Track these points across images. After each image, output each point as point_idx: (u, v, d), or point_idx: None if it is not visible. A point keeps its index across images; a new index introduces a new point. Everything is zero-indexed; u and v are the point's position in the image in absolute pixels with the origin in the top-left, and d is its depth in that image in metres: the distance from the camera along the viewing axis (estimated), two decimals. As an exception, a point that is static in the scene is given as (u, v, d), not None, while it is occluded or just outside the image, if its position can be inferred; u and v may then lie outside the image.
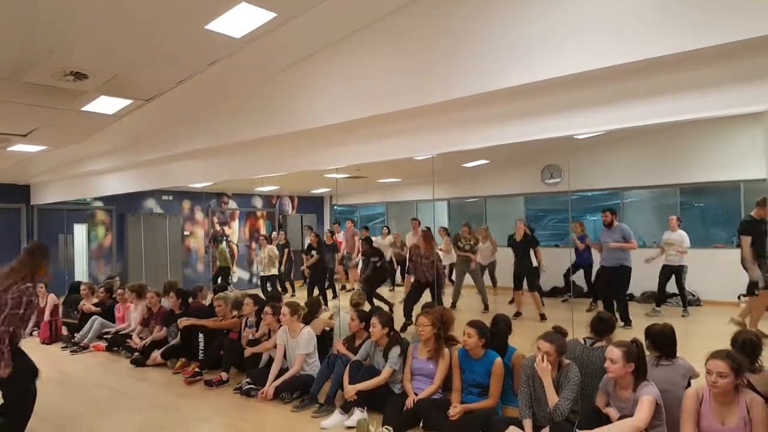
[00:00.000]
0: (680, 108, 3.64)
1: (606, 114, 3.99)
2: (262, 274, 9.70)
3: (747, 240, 5.29)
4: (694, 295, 8.24)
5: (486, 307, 8.38)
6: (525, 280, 7.90)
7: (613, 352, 3.22)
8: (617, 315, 6.83)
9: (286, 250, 10.95)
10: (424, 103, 4.52)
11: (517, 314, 7.90)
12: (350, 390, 4.30)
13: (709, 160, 8.52)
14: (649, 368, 3.45)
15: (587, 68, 3.71)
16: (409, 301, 7.05)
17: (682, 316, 7.45)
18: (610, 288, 7.02)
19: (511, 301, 9.22)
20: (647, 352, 3.62)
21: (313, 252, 9.37)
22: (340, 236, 11.25)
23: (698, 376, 3.45)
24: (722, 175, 8.40)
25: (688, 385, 3.44)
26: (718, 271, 7.79)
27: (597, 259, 7.60)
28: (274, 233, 11.94)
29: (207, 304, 6.48)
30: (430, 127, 4.89)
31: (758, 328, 4.79)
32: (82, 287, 7.63)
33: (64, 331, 7.26)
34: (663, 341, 3.57)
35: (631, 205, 9.87)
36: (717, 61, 3.45)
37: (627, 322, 6.80)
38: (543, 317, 7.55)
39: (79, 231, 10.43)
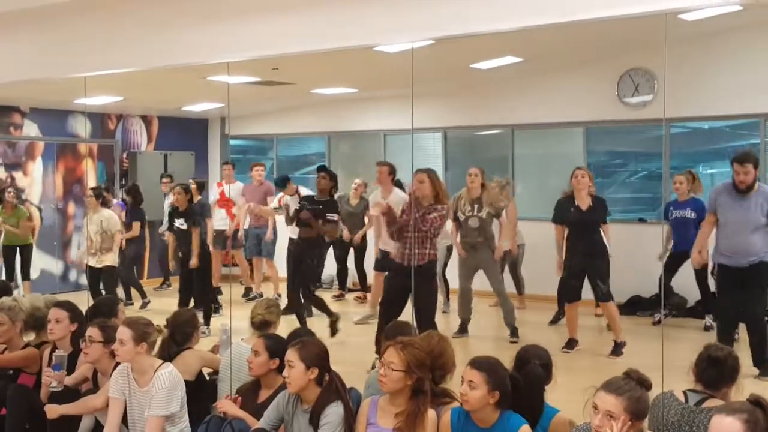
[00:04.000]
0: None
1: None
2: (91, 263, 9.64)
3: None
4: None
5: (513, 332, 8.54)
6: (592, 280, 8.06)
7: (725, 427, 3.24)
8: (751, 352, 7.01)
9: (134, 223, 10.84)
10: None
11: (570, 345, 8.10)
12: (248, 485, 4.29)
13: None
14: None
15: None
16: (387, 312, 7.02)
17: None
18: (736, 302, 7.18)
19: (555, 320, 9.44)
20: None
21: (181, 222, 9.32)
22: (231, 190, 11.16)
23: None
24: None
25: None
26: None
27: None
28: (119, 191, 11.76)
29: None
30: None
31: None
32: None
33: None
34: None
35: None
36: None
37: (765, 364, 6.99)
38: (619, 349, 7.76)
39: None
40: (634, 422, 3.47)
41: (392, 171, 9.24)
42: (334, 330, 8.28)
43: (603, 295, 8.02)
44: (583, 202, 7.97)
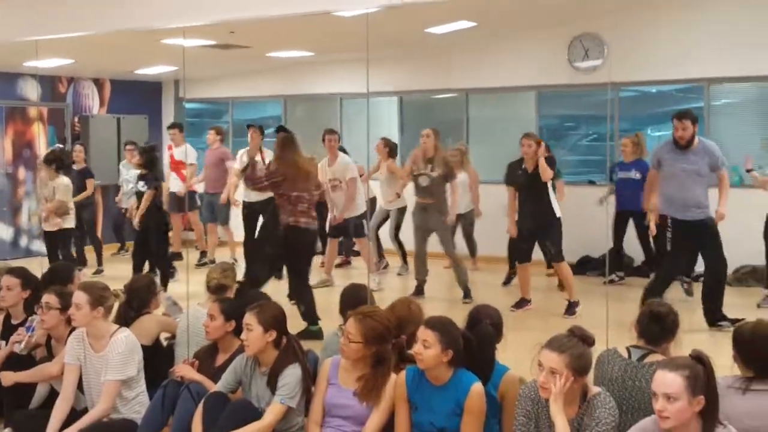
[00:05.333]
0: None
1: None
2: (45, 227, 9.54)
3: None
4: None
5: (467, 293, 8.69)
6: (541, 242, 8.20)
7: (670, 381, 3.33)
8: (708, 304, 7.26)
9: (88, 181, 10.70)
10: None
11: (520, 304, 8.25)
12: (206, 446, 4.33)
13: None
14: (731, 396, 3.66)
15: None
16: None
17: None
18: (680, 258, 7.37)
19: (508, 281, 9.59)
20: (734, 372, 3.83)
21: (142, 185, 9.32)
22: (178, 152, 10.99)
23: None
24: None
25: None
26: None
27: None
28: (66, 148, 11.57)
29: None
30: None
31: None
32: None
33: None
34: (759, 352, 3.78)
35: (723, 111, 10.28)
36: None
37: (716, 319, 7.21)
38: (573, 309, 7.93)
39: None
40: (576, 378, 3.58)
41: (339, 138, 9.38)
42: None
43: (553, 256, 8.20)
44: (531, 162, 8.03)
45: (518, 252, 8.42)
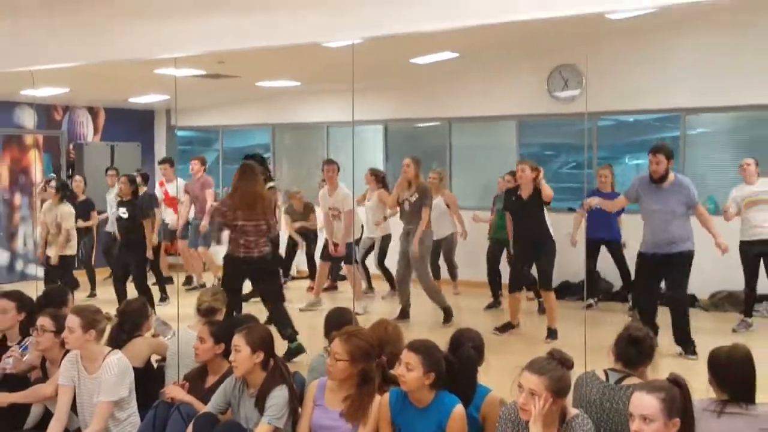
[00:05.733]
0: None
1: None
2: (49, 253, 9.57)
3: None
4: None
5: (447, 317, 8.70)
6: (538, 265, 8.27)
7: (646, 404, 3.36)
8: (675, 333, 7.24)
9: (92, 213, 10.79)
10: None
11: (506, 328, 8.26)
12: (195, 467, 4.31)
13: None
14: (706, 419, 3.68)
15: None
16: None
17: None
18: (654, 288, 7.43)
19: (491, 306, 9.61)
20: (710, 395, 3.86)
21: (123, 211, 9.37)
22: (172, 187, 11.19)
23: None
24: None
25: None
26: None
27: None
28: (61, 176, 11.56)
29: None
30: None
31: None
32: None
33: None
34: (734, 375, 3.81)
35: (698, 140, 10.37)
36: None
37: (687, 346, 7.22)
38: (554, 334, 7.95)
39: None
40: (555, 399, 3.60)
41: (339, 169, 9.37)
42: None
43: (544, 282, 8.22)
44: (527, 189, 8.03)
45: (513, 279, 8.33)
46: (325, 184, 9.47)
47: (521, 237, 8.27)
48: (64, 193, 9.72)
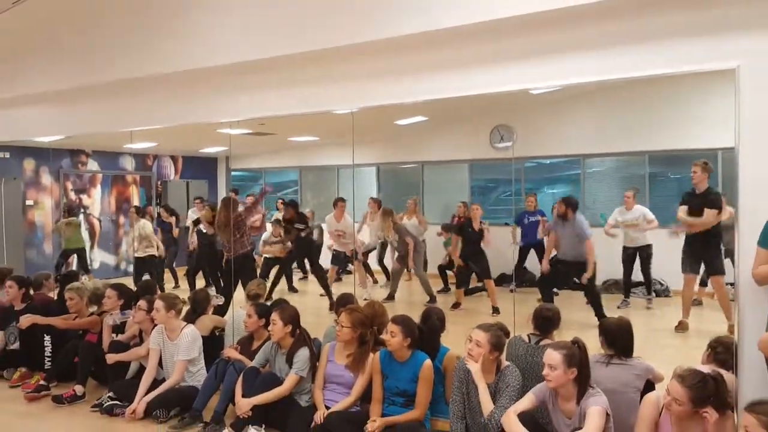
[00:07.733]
0: (644, 62, 3.87)
1: (562, 65, 4.18)
2: (137, 254, 9.52)
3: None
4: (662, 284, 8.90)
5: (431, 299, 8.68)
6: (474, 268, 8.41)
7: (552, 356, 3.43)
8: (594, 307, 7.32)
9: (175, 230, 10.80)
10: (343, 43, 4.56)
11: (456, 306, 8.27)
12: (244, 404, 4.32)
13: (684, 123, 9.12)
14: (598, 368, 3.72)
15: (543, 8, 3.85)
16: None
17: (647, 308, 8.05)
18: (568, 280, 7.57)
19: (441, 291, 9.65)
20: (601, 351, 3.91)
21: (198, 228, 9.29)
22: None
23: (662, 379, 3.75)
24: (698, 141, 9.03)
25: (647, 389, 3.72)
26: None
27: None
28: (154, 207, 11.58)
29: (55, 297, 6.36)
30: (352, 74, 4.97)
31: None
32: None
33: None
34: (618, 338, 3.86)
35: (593, 176, 10.41)
36: (690, 5, 3.69)
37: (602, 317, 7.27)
38: (496, 310, 7.99)
39: None
40: (492, 351, 3.66)
41: (343, 204, 9.47)
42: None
43: (486, 273, 8.36)
44: (475, 224, 8.44)
45: (459, 280, 8.64)
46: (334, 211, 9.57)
47: (468, 251, 8.47)
48: (142, 214, 10.08)
